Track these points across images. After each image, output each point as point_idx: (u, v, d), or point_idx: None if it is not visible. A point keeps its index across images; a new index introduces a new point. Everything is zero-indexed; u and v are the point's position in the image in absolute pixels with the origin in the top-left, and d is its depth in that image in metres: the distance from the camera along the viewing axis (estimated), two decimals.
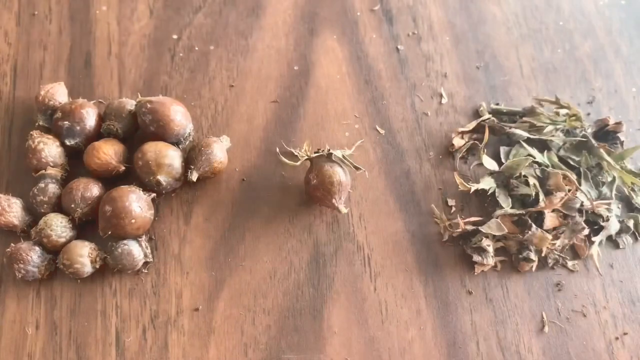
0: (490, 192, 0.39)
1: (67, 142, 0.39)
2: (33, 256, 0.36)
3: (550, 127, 0.41)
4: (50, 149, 0.38)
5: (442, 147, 0.42)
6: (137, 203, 0.37)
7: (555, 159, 0.40)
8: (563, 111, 0.42)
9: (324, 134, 0.42)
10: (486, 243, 0.38)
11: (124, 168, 0.39)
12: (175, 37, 0.45)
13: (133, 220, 0.36)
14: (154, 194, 0.38)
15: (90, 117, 0.39)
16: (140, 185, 0.38)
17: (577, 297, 0.38)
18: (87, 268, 0.36)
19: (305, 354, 0.36)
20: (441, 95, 0.44)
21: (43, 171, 0.38)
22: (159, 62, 0.44)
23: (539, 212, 0.38)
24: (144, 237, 0.38)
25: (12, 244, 0.37)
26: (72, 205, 0.37)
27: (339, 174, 0.37)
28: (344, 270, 0.38)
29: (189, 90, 0.43)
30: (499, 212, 0.38)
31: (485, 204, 0.40)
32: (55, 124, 0.39)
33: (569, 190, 0.37)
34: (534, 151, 0.40)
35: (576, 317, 0.37)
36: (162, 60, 0.44)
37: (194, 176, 0.38)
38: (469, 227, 0.38)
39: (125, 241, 0.37)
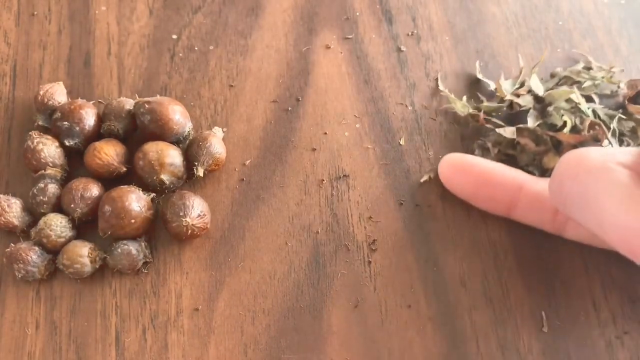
0: (523, 107, 0.40)
1: (67, 143, 0.39)
2: (33, 256, 0.36)
3: (589, 83, 0.41)
4: (49, 149, 0.38)
5: (442, 147, 0.42)
6: (136, 203, 0.37)
7: (599, 112, 0.40)
8: (600, 74, 0.43)
9: (324, 134, 0.42)
10: (492, 145, 0.39)
11: (125, 169, 0.39)
12: (174, 37, 0.45)
13: (133, 221, 0.36)
14: (153, 194, 0.38)
15: (89, 117, 0.39)
16: (140, 185, 0.38)
17: (577, 297, 0.38)
18: (87, 268, 0.36)
19: (305, 353, 0.36)
20: (441, 95, 0.44)
21: (42, 171, 0.38)
22: (158, 62, 0.44)
23: (559, 142, 0.38)
24: (143, 237, 0.38)
25: (12, 244, 0.37)
26: (72, 206, 0.37)
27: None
28: (343, 270, 0.38)
29: (188, 90, 0.43)
30: (521, 125, 0.39)
31: None
32: (54, 124, 0.39)
33: (596, 135, 0.38)
34: (581, 99, 0.40)
35: (576, 317, 0.37)
36: (162, 60, 0.44)
37: (201, 171, 0.38)
38: (489, 126, 0.39)
39: (125, 241, 0.37)
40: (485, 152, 0.39)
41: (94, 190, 0.38)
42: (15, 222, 0.37)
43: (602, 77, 0.42)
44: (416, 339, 0.36)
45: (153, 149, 0.38)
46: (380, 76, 0.44)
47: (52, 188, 0.38)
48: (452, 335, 0.37)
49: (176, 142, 0.40)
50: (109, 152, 0.38)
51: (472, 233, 0.39)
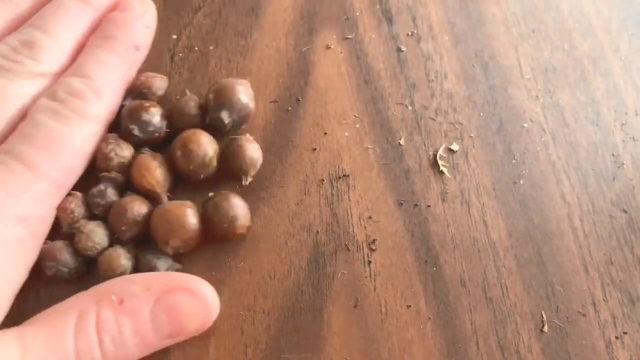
0: None
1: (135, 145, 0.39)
2: (66, 257, 0.36)
3: None
4: (121, 152, 0.38)
5: (442, 147, 0.42)
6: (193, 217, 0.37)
7: None
8: None
9: (324, 134, 0.42)
10: None
11: (166, 198, 0.38)
12: (174, 37, 0.45)
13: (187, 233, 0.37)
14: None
15: (155, 117, 0.39)
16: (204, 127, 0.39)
17: (577, 297, 0.38)
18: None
19: (305, 353, 0.36)
20: (441, 95, 0.44)
21: (106, 173, 0.38)
22: (158, 62, 0.44)
23: None
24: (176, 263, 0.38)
25: (48, 240, 0.36)
26: (123, 228, 0.37)
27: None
28: (344, 270, 0.38)
29: (188, 91, 0.43)
30: None
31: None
32: (125, 126, 0.39)
33: None
34: None
35: (576, 317, 0.37)
36: (162, 60, 0.44)
37: (248, 181, 0.39)
38: None
39: (157, 258, 0.37)
40: None
41: (143, 209, 0.37)
42: (76, 212, 0.37)
43: None
44: (416, 338, 0.36)
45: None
46: (380, 76, 0.44)
47: (111, 193, 0.37)
48: (452, 335, 0.37)
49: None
50: (154, 176, 0.38)
51: (472, 233, 0.39)
